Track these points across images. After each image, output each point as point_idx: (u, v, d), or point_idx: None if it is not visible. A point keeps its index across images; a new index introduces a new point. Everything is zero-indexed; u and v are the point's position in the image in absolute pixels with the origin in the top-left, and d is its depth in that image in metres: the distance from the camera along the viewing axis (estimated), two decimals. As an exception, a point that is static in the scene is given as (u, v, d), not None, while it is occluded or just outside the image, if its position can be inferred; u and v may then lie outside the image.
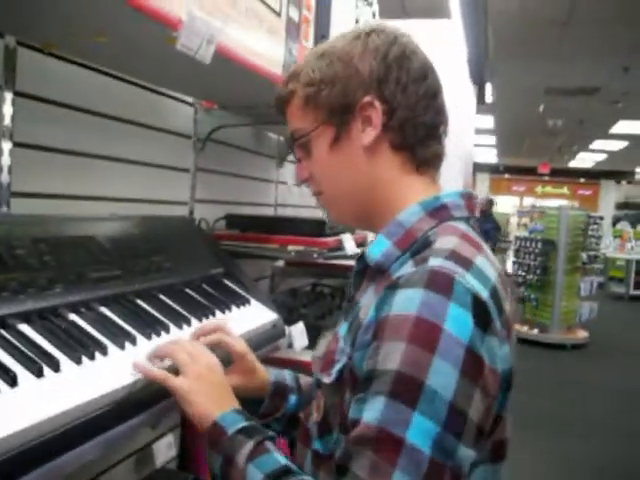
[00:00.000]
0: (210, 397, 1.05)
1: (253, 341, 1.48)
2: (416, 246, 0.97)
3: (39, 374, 0.95)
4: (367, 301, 0.99)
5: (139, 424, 1.08)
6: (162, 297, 1.42)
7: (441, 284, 0.85)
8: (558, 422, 5.27)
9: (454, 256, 0.90)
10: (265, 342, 1.61)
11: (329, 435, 1.01)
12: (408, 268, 0.92)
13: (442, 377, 0.80)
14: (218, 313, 1.49)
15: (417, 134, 1.04)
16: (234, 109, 2.16)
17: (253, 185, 2.73)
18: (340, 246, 2.18)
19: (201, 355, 1.11)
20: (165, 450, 2.00)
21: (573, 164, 19.45)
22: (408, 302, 0.85)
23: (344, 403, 0.95)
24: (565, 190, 22.49)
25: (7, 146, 1.38)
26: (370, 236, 2.56)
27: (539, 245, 8.62)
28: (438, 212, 1.02)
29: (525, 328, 8.66)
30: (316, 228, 2.09)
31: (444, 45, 3.35)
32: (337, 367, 1.00)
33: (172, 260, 1.55)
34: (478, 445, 0.85)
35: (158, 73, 1.66)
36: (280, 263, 2.83)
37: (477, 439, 0.84)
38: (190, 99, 2.14)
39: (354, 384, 0.91)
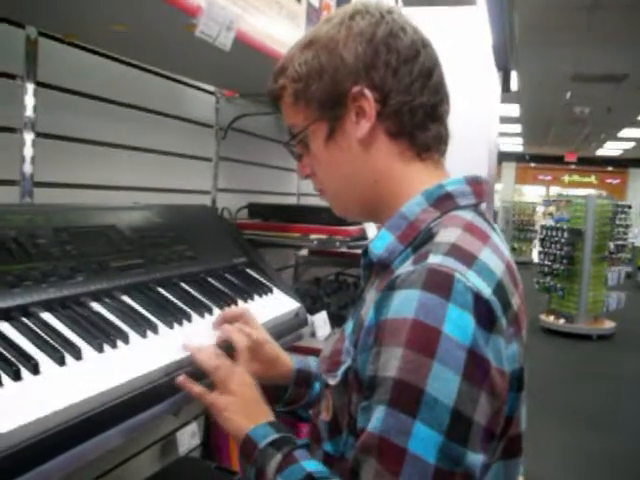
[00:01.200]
0: (244, 413, 1.07)
1: (275, 330, 1.48)
2: (419, 239, 0.93)
3: (61, 362, 0.95)
4: (370, 298, 0.96)
5: (161, 412, 1.08)
6: (184, 286, 1.42)
7: (440, 284, 0.81)
8: (583, 413, 5.22)
9: (456, 251, 0.85)
10: (288, 331, 1.60)
11: (339, 436, 0.99)
12: (408, 265, 0.87)
13: (442, 383, 0.77)
14: (240, 302, 1.48)
15: (415, 118, 0.98)
16: (255, 97, 2.15)
17: (275, 174, 2.72)
18: (363, 235, 2.17)
19: (235, 373, 1.12)
20: (189, 439, 2.01)
21: (601, 152, 19.19)
22: (405, 304, 0.81)
23: (351, 404, 0.93)
24: (593, 179, 22.20)
25: (30, 137, 1.39)
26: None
27: (565, 234, 8.55)
28: (442, 202, 0.96)
29: (551, 318, 8.60)
30: (339, 217, 2.08)
31: (469, 32, 3.31)
32: (342, 369, 0.97)
33: (194, 249, 1.55)
34: (490, 448, 0.83)
35: (179, 62, 1.65)
36: (304, 253, 2.82)
37: (488, 442, 0.81)
38: (211, 88, 2.14)
39: (359, 387, 0.89)
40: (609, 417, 5.18)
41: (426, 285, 0.80)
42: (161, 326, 1.19)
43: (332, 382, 1.00)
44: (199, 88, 2.08)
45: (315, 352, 1.39)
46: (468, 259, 0.85)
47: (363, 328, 0.90)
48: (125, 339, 1.09)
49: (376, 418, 0.79)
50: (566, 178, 22.40)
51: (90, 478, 1.62)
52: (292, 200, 2.96)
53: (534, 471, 3.60)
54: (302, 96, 1.01)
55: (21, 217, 1.18)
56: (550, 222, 9.28)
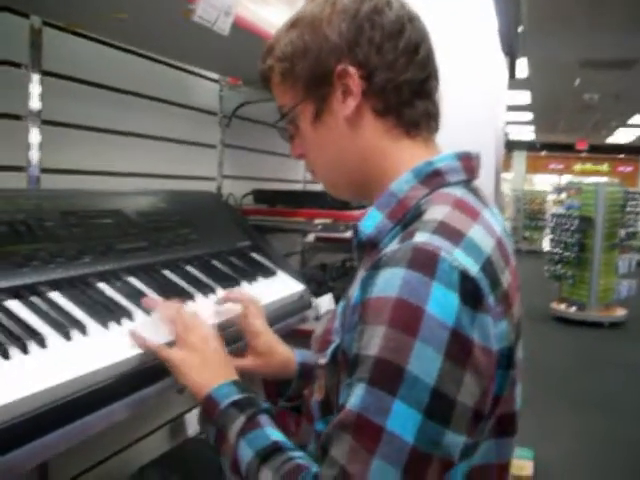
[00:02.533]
0: (204, 369, 1.04)
1: (279, 311, 1.51)
2: (408, 217, 0.91)
3: (67, 337, 0.99)
4: (359, 277, 0.95)
5: (164, 387, 1.10)
6: (188, 268, 1.45)
7: (424, 262, 0.79)
8: (595, 400, 5.22)
9: (443, 229, 0.83)
10: (291, 313, 1.63)
11: (330, 415, 0.96)
12: (395, 244, 0.85)
13: (424, 362, 0.75)
14: (244, 283, 1.51)
15: (401, 95, 0.97)
16: (259, 85, 2.17)
17: (281, 161, 2.74)
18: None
19: (196, 327, 1.10)
20: (197, 421, 2.04)
21: (612, 140, 19.05)
22: (389, 283, 0.79)
23: (341, 383, 0.90)
24: (605, 167, 22.04)
25: (36, 124, 1.43)
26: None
27: (576, 222, 8.49)
28: (431, 178, 0.95)
29: (562, 306, 8.56)
30: (342, 201, 2.10)
31: (474, 17, 3.31)
32: (331, 348, 0.97)
33: (199, 233, 1.58)
34: (477, 428, 0.82)
35: (182, 49, 1.69)
36: (310, 239, 2.85)
37: (475, 423, 0.80)
38: (216, 76, 2.17)
39: (347, 365, 0.86)
40: (621, 404, 5.17)
41: (411, 264, 0.79)
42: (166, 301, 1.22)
43: (322, 361, 1.00)
44: (203, 76, 2.11)
45: (320, 334, 1.41)
46: (455, 237, 0.83)
47: (349, 307, 0.90)
48: (130, 317, 1.13)
49: (356, 395, 0.78)
50: (578, 166, 22.26)
51: (101, 457, 1.67)
52: (298, 187, 2.98)
53: (545, 457, 3.61)
54: (289, 76, 1.01)
55: (29, 201, 1.22)
56: (560, 210, 9.24)
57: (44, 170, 1.45)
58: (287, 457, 0.87)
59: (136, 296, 1.21)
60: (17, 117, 1.38)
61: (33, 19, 1.40)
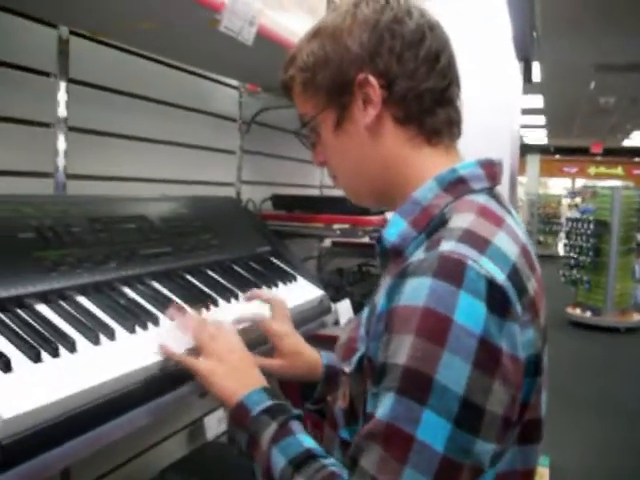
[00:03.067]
0: (233, 377, 1.04)
1: (299, 317, 1.52)
2: (432, 225, 0.91)
3: (96, 341, 1.01)
4: (384, 284, 0.96)
5: (187, 392, 1.11)
6: (210, 273, 1.47)
7: (451, 271, 0.79)
8: (611, 406, 5.20)
9: (468, 237, 0.84)
10: (311, 318, 1.64)
11: (356, 423, 0.98)
12: (421, 252, 0.86)
13: (453, 371, 0.75)
14: (265, 288, 1.53)
15: (422, 103, 0.97)
16: (278, 92, 2.18)
17: (298, 167, 2.76)
18: (385, 224, 2.20)
19: (221, 335, 1.10)
20: (216, 425, 2.06)
21: (627, 143, 18.92)
22: (416, 292, 0.79)
23: (367, 391, 0.90)
24: (619, 170, 21.89)
25: (62, 131, 1.45)
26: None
27: (591, 226, 8.46)
28: (455, 186, 0.95)
29: (578, 311, 8.53)
30: (361, 207, 2.11)
31: (489, 23, 3.32)
32: (357, 356, 0.97)
33: (220, 238, 1.60)
34: (506, 436, 0.82)
35: (204, 57, 1.71)
36: (327, 244, 2.86)
37: (503, 430, 0.80)
38: (235, 83, 2.19)
39: (372, 373, 0.86)
40: (637, 410, 5.15)
41: (438, 273, 0.79)
42: (189, 310, 1.24)
43: (347, 369, 1.00)
44: (223, 83, 2.13)
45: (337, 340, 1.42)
46: (481, 244, 0.83)
47: (375, 315, 0.90)
48: (155, 322, 1.14)
49: (384, 405, 0.78)
50: (592, 170, 22.13)
51: (121, 461, 1.69)
52: (315, 192, 3.00)
53: (560, 463, 3.59)
54: (310, 85, 1.02)
55: (57, 207, 1.25)
56: (575, 214, 9.21)
57: (70, 176, 1.47)
58: (320, 465, 0.88)
59: (161, 301, 1.23)
60: (45, 124, 1.41)
61: (61, 29, 1.43)
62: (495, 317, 0.78)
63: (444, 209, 0.93)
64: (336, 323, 2.00)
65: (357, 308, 2.12)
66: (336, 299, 2.08)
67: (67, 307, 1.07)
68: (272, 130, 2.48)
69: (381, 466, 0.76)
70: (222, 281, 1.45)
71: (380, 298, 0.90)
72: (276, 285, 1.60)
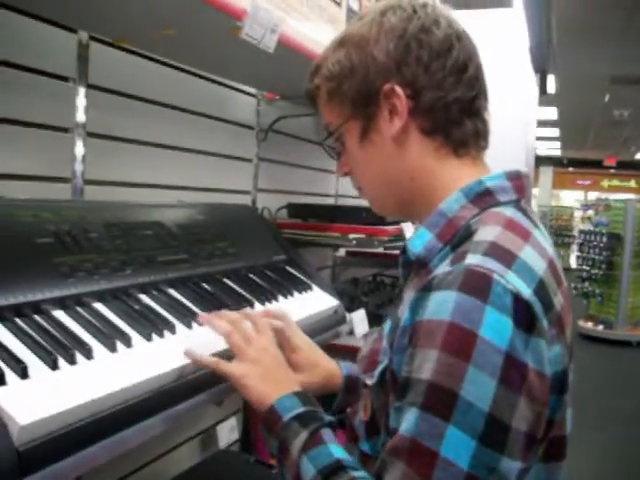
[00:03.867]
0: (266, 381, 1.03)
1: (314, 326, 1.51)
2: (458, 237, 0.90)
3: (113, 349, 1.00)
4: (408, 297, 0.94)
5: (204, 401, 1.11)
6: (226, 281, 1.46)
7: (477, 286, 0.78)
8: (623, 420, 5.15)
9: (495, 250, 0.82)
10: (326, 328, 1.63)
11: (377, 436, 0.97)
12: (446, 265, 0.85)
13: (478, 387, 0.74)
14: (280, 297, 1.52)
15: (449, 114, 0.96)
16: (295, 100, 2.19)
17: (314, 175, 2.76)
18: (401, 234, 2.19)
19: (255, 337, 1.09)
20: (228, 433, 2.05)
21: (640, 156, 18.85)
22: (442, 306, 0.79)
23: (389, 405, 0.89)
24: (633, 183, 21.80)
25: (81, 136, 1.45)
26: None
27: (604, 239, 8.41)
28: (481, 198, 0.94)
29: (589, 324, 8.46)
30: (376, 216, 2.10)
31: (506, 35, 3.31)
32: (379, 369, 0.96)
33: (236, 246, 1.59)
34: (530, 453, 0.80)
35: (223, 65, 1.71)
36: (341, 253, 2.85)
37: (528, 448, 0.78)
38: (253, 90, 2.19)
39: (395, 387, 0.86)
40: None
41: (463, 287, 0.78)
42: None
43: (369, 382, 0.99)
44: (241, 91, 2.13)
45: (353, 350, 1.41)
46: (508, 258, 0.82)
47: (399, 328, 0.89)
48: (172, 329, 1.14)
49: (408, 420, 0.77)
50: (605, 183, 22.04)
51: (133, 468, 1.68)
52: (330, 201, 3.00)
53: (571, 477, 3.57)
54: (336, 95, 1.01)
55: (75, 212, 1.24)
56: (588, 227, 9.17)
57: (87, 182, 1.47)
58: (350, 477, 0.86)
59: (177, 308, 1.22)
60: (63, 129, 1.41)
61: (81, 34, 1.43)
62: (521, 332, 0.77)
63: (470, 221, 0.92)
64: (350, 333, 1.99)
65: (372, 318, 2.11)
66: (351, 309, 2.07)
67: (84, 313, 1.06)
68: (289, 138, 2.48)
69: None
70: (238, 289, 1.45)
71: (404, 311, 0.88)
72: (291, 294, 1.59)
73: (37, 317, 1.00)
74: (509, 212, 0.92)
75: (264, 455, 2.07)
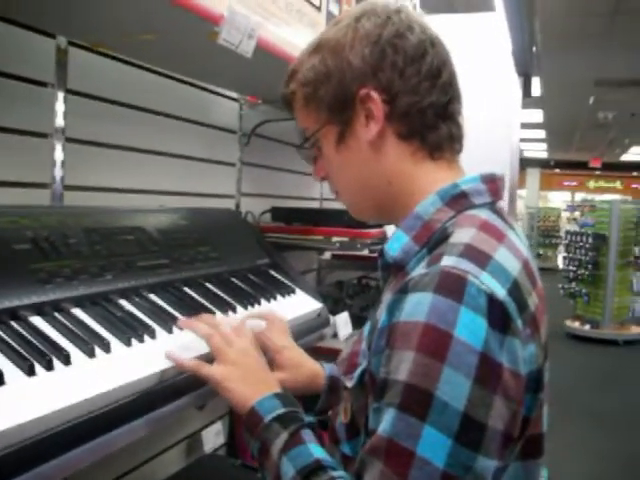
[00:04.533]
0: (247, 382, 1.04)
1: (298, 329, 1.51)
2: (434, 240, 0.91)
3: (91, 354, 0.99)
4: (385, 299, 0.95)
5: (185, 404, 1.11)
6: (208, 285, 1.46)
7: (452, 287, 0.79)
8: (610, 418, 5.18)
9: (470, 252, 0.83)
10: (310, 330, 1.63)
11: (357, 437, 0.98)
12: (422, 267, 0.86)
13: (453, 387, 0.75)
14: (263, 301, 1.52)
15: (424, 118, 0.97)
16: (278, 104, 2.18)
17: (298, 179, 2.76)
18: (384, 237, 2.20)
19: (235, 339, 1.10)
20: (213, 437, 2.05)
21: (625, 157, 18.98)
22: (417, 308, 0.80)
23: (369, 406, 0.90)
24: (618, 184, 21.97)
25: (60, 142, 1.45)
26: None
27: (590, 239, 8.48)
28: (457, 201, 0.95)
29: (576, 324, 8.52)
30: (359, 220, 2.11)
31: (488, 38, 3.34)
32: (358, 371, 0.97)
33: (218, 250, 1.59)
34: (507, 452, 0.81)
35: (203, 69, 1.71)
36: (326, 256, 2.85)
37: (505, 446, 0.80)
38: (235, 95, 2.19)
39: (374, 388, 0.86)
40: (636, 423, 5.13)
41: (438, 288, 0.79)
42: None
43: (349, 384, 1.00)
44: (223, 95, 2.13)
45: (337, 352, 1.41)
46: (482, 260, 0.83)
47: (376, 330, 0.89)
48: (152, 334, 1.13)
49: (385, 420, 0.78)
50: (591, 184, 22.20)
51: (119, 473, 1.67)
52: (315, 205, 3.00)
53: (559, 474, 3.58)
54: (311, 100, 1.02)
55: (53, 218, 1.23)
56: (575, 227, 9.23)
57: (67, 187, 1.46)
58: (329, 477, 0.87)
59: (157, 313, 1.22)
60: (42, 135, 1.41)
61: (59, 39, 1.42)
62: (496, 332, 0.78)
63: (446, 223, 0.93)
64: (334, 336, 2.00)
65: (356, 321, 2.11)
66: (335, 312, 2.08)
67: (62, 319, 1.06)
68: (272, 142, 2.48)
69: None
70: (220, 294, 1.44)
71: (381, 313, 0.89)
72: (275, 298, 1.59)
73: (14, 323, 0.99)
74: (484, 214, 0.93)
75: (250, 459, 2.07)
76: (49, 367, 0.92)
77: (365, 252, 2.62)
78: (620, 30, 7.01)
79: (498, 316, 0.79)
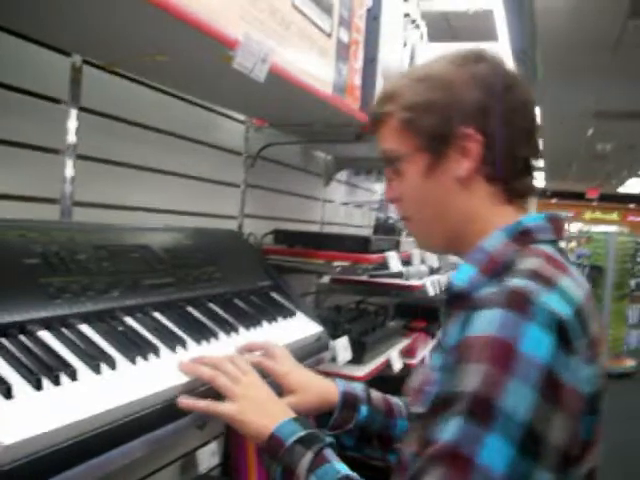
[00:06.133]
0: (261, 413, 1.06)
1: (297, 352, 1.51)
2: (500, 271, 0.95)
3: (97, 370, 1.00)
4: (451, 329, 0.99)
5: (187, 424, 1.11)
6: (211, 305, 1.46)
7: (520, 304, 0.84)
8: (605, 451, 5.15)
9: (536, 276, 0.88)
10: (309, 354, 1.63)
11: None
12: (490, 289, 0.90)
13: (518, 399, 0.79)
14: (265, 323, 1.53)
15: (514, 167, 1.05)
16: (284, 127, 2.22)
17: (300, 202, 2.78)
18: (385, 263, 2.21)
19: (240, 376, 1.12)
20: (209, 457, 2.04)
21: (623, 189, 19.08)
22: (487, 323, 0.84)
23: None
24: (615, 216, 22.07)
25: (71, 158, 1.46)
26: (416, 253, 2.58)
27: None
28: (521, 236, 1.00)
29: (571, 355, 8.51)
30: (361, 245, 2.12)
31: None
32: (430, 398, 0.97)
33: (222, 271, 1.60)
34: (565, 472, 0.83)
35: (213, 91, 1.73)
36: (325, 280, 2.86)
37: (562, 464, 0.82)
38: (242, 117, 2.21)
39: (438, 402, 0.88)
40: (630, 456, 5.10)
41: (507, 305, 0.84)
42: (190, 342, 1.24)
43: (420, 410, 1.01)
44: (230, 117, 2.15)
45: (335, 377, 1.41)
46: (549, 283, 0.88)
47: (447, 350, 0.94)
48: (156, 353, 1.14)
49: (451, 428, 0.80)
50: (588, 215, 22.28)
51: (113, 491, 1.66)
52: (316, 228, 3.01)
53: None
54: (409, 125, 1.05)
55: (62, 234, 1.24)
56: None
57: (76, 203, 1.48)
58: None
59: (162, 332, 1.22)
60: (54, 151, 1.42)
61: (74, 57, 1.44)
62: (560, 349, 0.82)
63: (511, 256, 0.97)
64: (333, 360, 1.99)
65: (355, 345, 2.11)
66: (334, 336, 2.07)
67: (69, 335, 1.07)
68: (277, 165, 2.50)
69: None
70: (223, 314, 1.45)
71: (449, 338, 0.95)
72: (275, 320, 1.59)
73: (22, 337, 1.00)
74: (548, 249, 0.98)
75: (244, 480, 2.06)
76: (56, 382, 0.92)
77: (364, 277, 2.64)
78: (621, 63, 7.09)
79: (563, 335, 0.83)
